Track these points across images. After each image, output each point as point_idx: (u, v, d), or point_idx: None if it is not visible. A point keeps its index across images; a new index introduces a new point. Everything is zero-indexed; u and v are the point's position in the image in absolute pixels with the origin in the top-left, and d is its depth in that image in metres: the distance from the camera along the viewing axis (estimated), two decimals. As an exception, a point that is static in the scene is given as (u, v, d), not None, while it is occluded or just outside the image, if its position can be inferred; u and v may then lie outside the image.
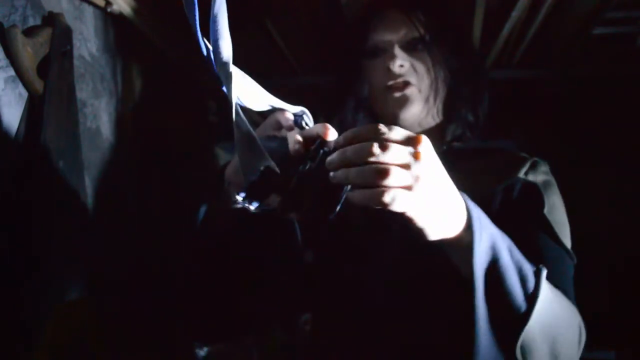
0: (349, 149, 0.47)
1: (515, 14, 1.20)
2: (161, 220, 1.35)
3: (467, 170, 0.82)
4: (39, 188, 0.80)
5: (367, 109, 0.90)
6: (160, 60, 1.32)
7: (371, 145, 0.45)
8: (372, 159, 0.45)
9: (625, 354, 1.69)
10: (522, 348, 0.59)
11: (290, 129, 0.59)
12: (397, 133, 0.48)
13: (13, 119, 0.80)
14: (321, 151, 0.52)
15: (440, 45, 0.86)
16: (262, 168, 0.48)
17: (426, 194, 0.49)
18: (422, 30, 0.84)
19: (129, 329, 1.14)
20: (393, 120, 0.86)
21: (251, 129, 0.53)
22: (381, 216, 0.76)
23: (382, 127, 0.48)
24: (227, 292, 0.77)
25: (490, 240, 0.56)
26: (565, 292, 0.69)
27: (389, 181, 0.45)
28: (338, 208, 0.51)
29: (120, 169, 1.16)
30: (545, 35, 1.40)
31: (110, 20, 1.09)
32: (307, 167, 0.52)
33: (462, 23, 0.98)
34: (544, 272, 0.60)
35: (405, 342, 0.69)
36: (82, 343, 0.89)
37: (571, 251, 0.75)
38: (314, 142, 0.54)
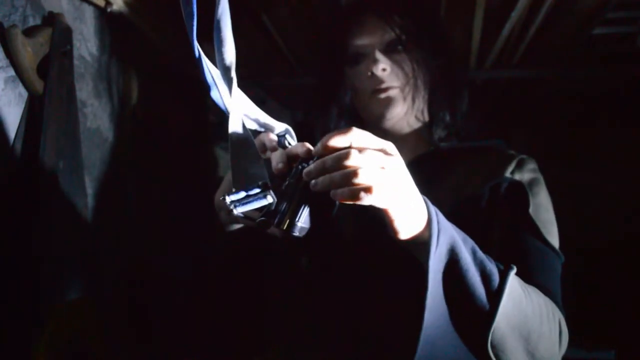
0: (328, 159, 0.51)
1: (515, 14, 1.20)
2: (161, 220, 1.35)
3: (455, 171, 0.83)
4: (39, 188, 0.80)
5: (350, 115, 0.91)
6: (160, 60, 1.32)
7: (348, 153, 0.50)
8: (350, 164, 0.50)
9: (625, 354, 1.69)
10: (494, 347, 0.59)
11: (274, 149, 0.61)
12: (369, 138, 0.52)
13: (13, 119, 0.80)
14: (300, 167, 0.55)
15: (418, 46, 0.88)
16: (261, 183, 0.52)
17: (399, 190, 0.53)
18: (398, 32, 0.86)
19: (129, 329, 1.14)
20: (378, 122, 0.88)
21: (251, 138, 0.55)
22: (367, 223, 0.77)
23: (355, 133, 0.52)
24: (241, 308, 0.79)
25: (448, 242, 0.58)
26: (548, 290, 0.70)
27: (367, 179, 0.50)
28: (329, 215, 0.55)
29: (120, 168, 1.16)
30: (545, 35, 1.40)
31: (110, 20, 1.09)
32: (286, 184, 0.55)
33: (438, 23, 1.00)
34: (512, 271, 0.61)
35: (391, 346, 0.70)
36: (82, 343, 0.89)
37: (557, 249, 0.76)
38: (296, 160, 0.57)
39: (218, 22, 0.51)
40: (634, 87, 1.74)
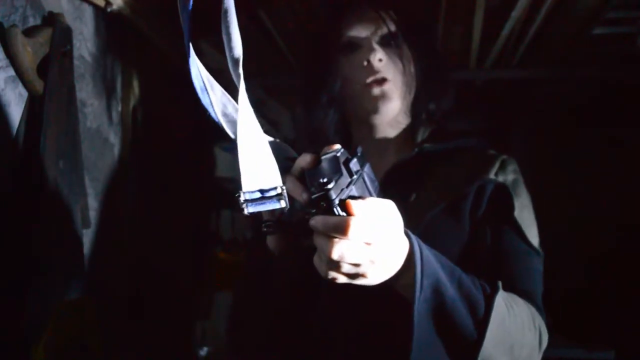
0: (320, 245, 0.53)
1: (515, 14, 1.21)
2: (161, 219, 1.35)
3: (438, 173, 0.84)
4: (39, 188, 0.80)
5: (338, 105, 0.92)
6: (160, 60, 1.33)
7: (332, 250, 0.52)
8: (341, 261, 0.52)
9: (625, 354, 1.69)
10: None
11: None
12: (365, 225, 0.52)
13: (13, 119, 0.80)
14: (322, 203, 0.54)
15: (410, 43, 0.89)
16: (279, 187, 0.51)
17: (387, 266, 0.57)
18: (394, 28, 0.88)
19: (129, 328, 1.14)
20: (369, 116, 0.88)
21: (266, 137, 0.55)
22: None
23: (354, 226, 0.51)
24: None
25: (433, 284, 0.61)
26: (531, 294, 0.75)
27: (356, 272, 0.54)
28: None
29: (120, 168, 1.16)
30: (545, 35, 1.40)
31: (110, 20, 1.09)
32: (306, 211, 0.55)
33: (428, 24, 1.01)
34: (497, 295, 0.66)
35: None
36: (82, 343, 0.89)
37: (538, 248, 0.80)
38: (303, 173, 0.57)
39: (226, 12, 0.50)
40: (634, 87, 1.74)
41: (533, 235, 0.81)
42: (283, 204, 0.51)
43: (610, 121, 1.99)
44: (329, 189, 0.51)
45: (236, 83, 0.54)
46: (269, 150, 0.54)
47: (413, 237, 0.61)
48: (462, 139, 0.89)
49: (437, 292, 0.61)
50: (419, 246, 0.60)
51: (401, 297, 0.62)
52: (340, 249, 0.51)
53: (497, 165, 0.83)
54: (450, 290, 0.62)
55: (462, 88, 1.86)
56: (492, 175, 0.82)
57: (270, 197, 0.52)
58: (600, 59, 1.59)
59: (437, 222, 0.77)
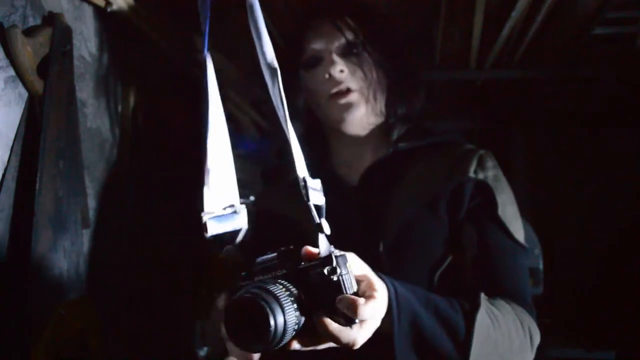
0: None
1: (515, 14, 1.21)
2: (161, 220, 1.35)
3: (415, 171, 0.84)
4: (39, 188, 0.80)
5: (306, 117, 0.94)
6: (160, 60, 1.32)
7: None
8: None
9: (625, 354, 1.69)
10: None
11: None
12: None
13: (13, 119, 0.80)
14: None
15: (373, 48, 0.89)
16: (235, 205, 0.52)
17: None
18: (352, 36, 0.88)
19: (129, 329, 1.14)
20: (337, 125, 0.89)
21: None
22: None
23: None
24: None
25: (410, 319, 0.62)
26: (518, 290, 0.76)
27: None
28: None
29: (120, 168, 1.16)
30: (545, 35, 1.40)
31: (110, 20, 1.09)
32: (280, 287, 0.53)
33: (392, 25, 1.01)
34: (478, 311, 0.66)
35: None
36: (82, 343, 0.89)
37: (523, 243, 0.80)
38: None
39: (251, 6, 0.50)
40: (633, 87, 1.75)
41: (517, 229, 0.80)
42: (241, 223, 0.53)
43: (610, 121, 1.99)
44: (341, 283, 0.53)
45: (271, 85, 0.53)
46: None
47: (384, 277, 0.61)
48: (438, 135, 0.90)
49: (414, 325, 0.62)
50: (392, 285, 0.61)
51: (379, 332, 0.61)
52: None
53: (475, 161, 0.83)
54: (427, 320, 0.63)
55: (462, 88, 1.87)
56: (471, 174, 0.81)
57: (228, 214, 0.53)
58: (600, 59, 1.59)
59: (416, 219, 0.78)
